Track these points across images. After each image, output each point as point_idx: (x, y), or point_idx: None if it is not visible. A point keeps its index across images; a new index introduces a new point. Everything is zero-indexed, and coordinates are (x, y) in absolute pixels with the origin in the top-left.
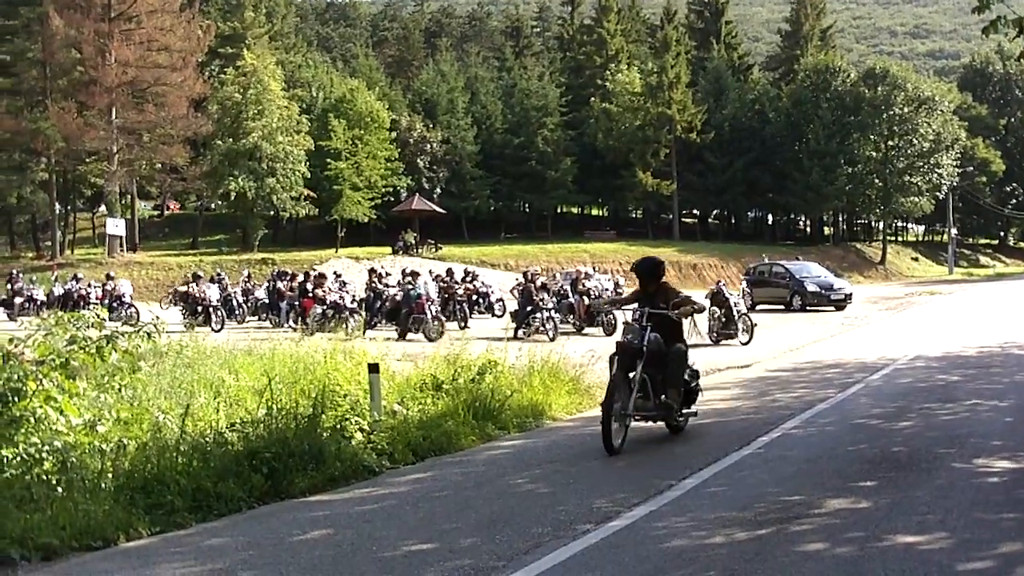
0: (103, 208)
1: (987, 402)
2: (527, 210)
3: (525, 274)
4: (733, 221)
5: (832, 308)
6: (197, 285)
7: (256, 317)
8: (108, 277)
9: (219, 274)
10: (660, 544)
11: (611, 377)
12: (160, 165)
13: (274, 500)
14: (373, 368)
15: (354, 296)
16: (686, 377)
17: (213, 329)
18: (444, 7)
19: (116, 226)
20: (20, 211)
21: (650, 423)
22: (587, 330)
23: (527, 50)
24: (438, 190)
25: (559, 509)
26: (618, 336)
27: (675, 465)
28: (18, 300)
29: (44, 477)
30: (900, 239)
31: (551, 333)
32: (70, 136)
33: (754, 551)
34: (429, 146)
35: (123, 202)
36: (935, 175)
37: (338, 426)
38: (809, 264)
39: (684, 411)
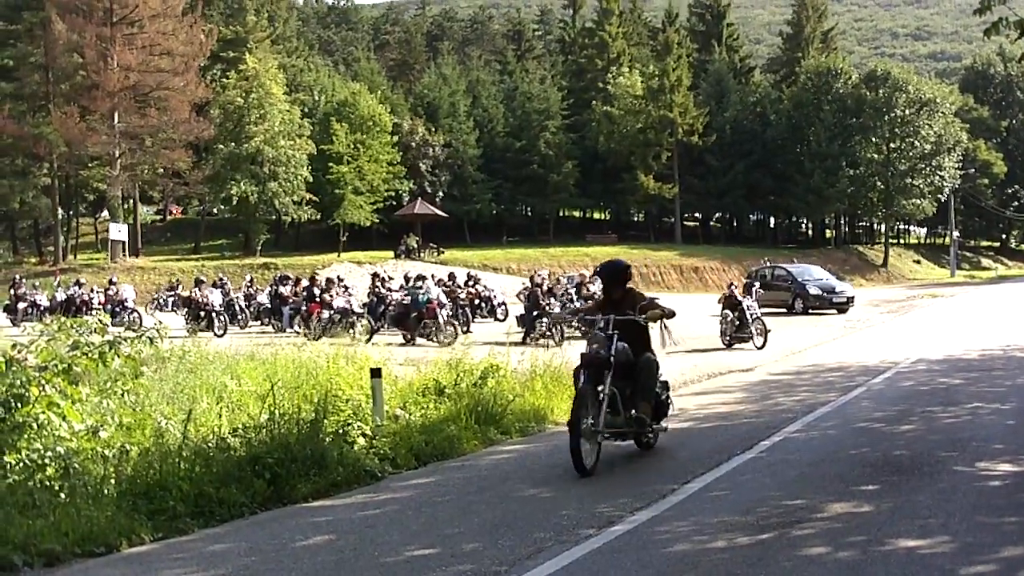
0: (105, 213)
1: (989, 405)
2: (529, 214)
3: (532, 278)
4: (735, 224)
5: (834, 311)
6: (200, 290)
7: (259, 322)
8: (110, 282)
9: (221, 279)
10: (662, 549)
11: (577, 391)
12: (162, 170)
13: (276, 505)
14: (375, 373)
15: (351, 300)
16: (656, 389)
17: (216, 334)
18: (446, 11)
19: (119, 231)
20: (23, 216)
21: (620, 442)
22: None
23: (529, 53)
24: (440, 194)
25: (561, 514)
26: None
27: (677, 469)
28: (21, 305)
29: (47, 483)
30: (902, 242)
31: (558, 337)
32: (72, 141)
33: (756, 555)
34: (431, 150)
35: (125, 207)
36: (937, 177)
37: (340, 431)
38: (811, 267)
39: (655, 426)
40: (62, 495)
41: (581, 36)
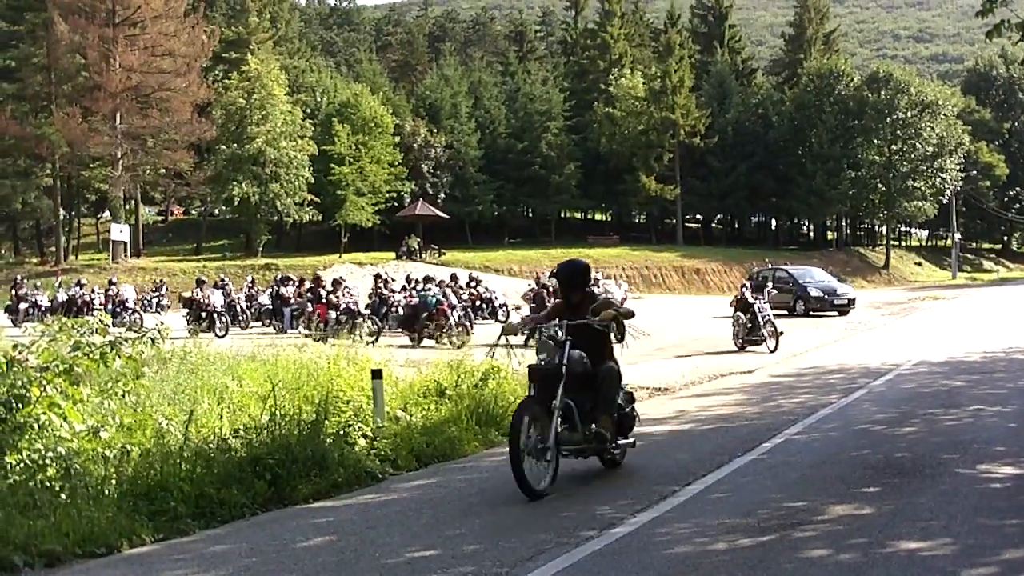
0: (107, 213)
1: (991, 407)
2: (530, 215)
3: (537, 280)
4: (736, 226)
5: (835, 313)
6: (201, 291)
7: (260, 322)
8: (111, 283)
9: (223, 279)
10: (663, 550)
11: (518, 406)
12: (164, 170)
13: (277, 506)
14: (376, 374)
15: (358, 301)
16: (620, 401)
17: (217, 335)
18: (448, 12)
19: (120, 232)
20: (24, 217)
21: (580, 458)
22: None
23: (531, 55)
24: (442, 195)
25: (562, 515)
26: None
27: (678, 471)
28: (22, 306)
29: (48, 483)
30: (903, 244)
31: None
32: (74, 141)
33: (757, 557)
34: (433, 151)
35: (127, 207)
36: (938, 179)
37: (341, 432)
38: (812, 269)
39: (620, 442)
40: (63, 496)
41: (583, 37)
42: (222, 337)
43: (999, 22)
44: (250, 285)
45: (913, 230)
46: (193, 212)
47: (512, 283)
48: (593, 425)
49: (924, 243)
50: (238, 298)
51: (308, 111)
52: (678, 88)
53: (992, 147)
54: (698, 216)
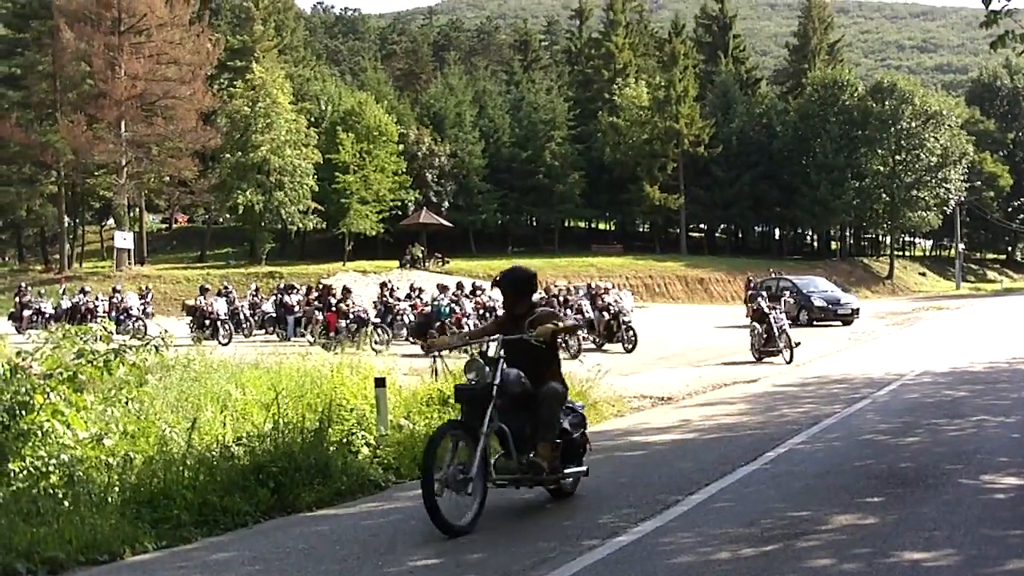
0: (111, 221)
1: (994, 418)
2: (534, 224)
3: (547, 289)
4: (740, 235)
5: (839, 323)
6: (205, 298)
7: (263, 330)
8: (114, 290)
9: (226, 287)
10: (666, 560)
11: (436, 431)
12: (168, 178)
13: (280, 514)
14: (380, 382)
15: (368, 310)
16: (566, 426)
17: (220, 343)
18: (452, 21)
19: (124, 239)
20: (29, 224)
21: (520, 488)
22: (607, 346)
23: (535, 64)
24: (446, 203)
25: (565, 524)
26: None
27: (682, 480)
28: (26, 313)
29: (51, 490)
30: (907, 254)
31: (573, 350)
32: (79, 149)
33: (761, 567)
34: (437, 159)
35: (131, 215)
36: (943, 190)
37: (344, 440)
38: (816, 279)
39: (568, 470)
40: (66, 503)
41: (587, 47)
42: (225, 345)
43: (1003, 33)
44: (254, 293)
45: (917, 240)
46: (197, 220)
47: None
48: (532, 453)
49: (928, 253)
50: (241, 306)
51: (313, 119)
52: (682, 98)
53: (996, 158)
54: (702, 226)
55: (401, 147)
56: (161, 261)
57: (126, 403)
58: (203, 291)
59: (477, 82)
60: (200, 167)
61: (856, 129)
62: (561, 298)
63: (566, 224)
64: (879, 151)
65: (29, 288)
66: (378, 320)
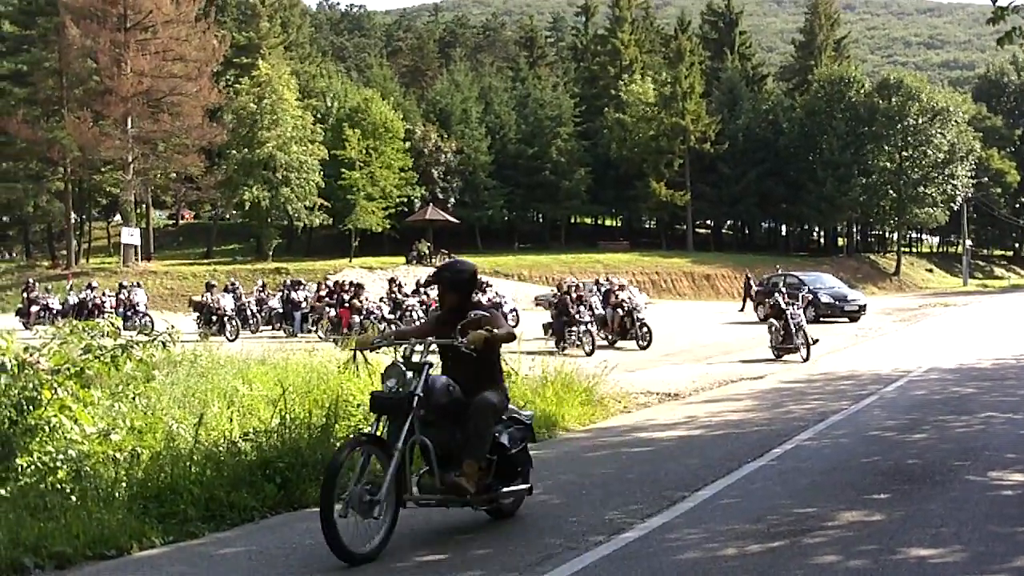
0: (118, 217)
1: (1002, 415)
2: (540, 220)
3: (559, 286)
4: (747, 231)
5: (846, 319)
6: (211, 294)
7: (269, 326)
8: (121, 286)
9: (233, 283)
10: (673, 556)
11: (342, 444)
12: (175, 175)
13: (287, 510)
14: None
15: (381, 306)
16: (503, 441)
17: (227, 338)
18: (458, 17)
19: (131, 235)
20: (36, 220)
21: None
22: (620, 343)
23: (541, 60)
24: (452, 200)
25: (571, 520)
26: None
27: (688, 477)
28: (33, 309)
29: (58, 486)
30: (914, 250)
31: (588, 347)
32: (86, 145)
33: (767, 563)
34: (443, 156)
35: (138, 211)
36: (950, 186)
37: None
38: (823, 275)
39: (506, 489)
40: (73, 498)
41: (593, 43)
42: (232, 341)
43: (1010, 29)
44: (260, 289)
45: (924, 237)
46: (204, 216)
47: (522, 288)
48: (455, 472)
49: (935, 250)
50: (248, 302)
51: (319, 116)
52: (688, 94)
53: (1003, 154)
54: (708, 222)
55: (407, 144)
56: (168, 257)
57: (133, 399)
58: (210, 287)
59: (483, 78)
60: (206, 163)
61: (863, 125)
62: (574, 295)
63: (572, 220)
64: (886, 147)
65: (36, 284)
66: (392, 316)
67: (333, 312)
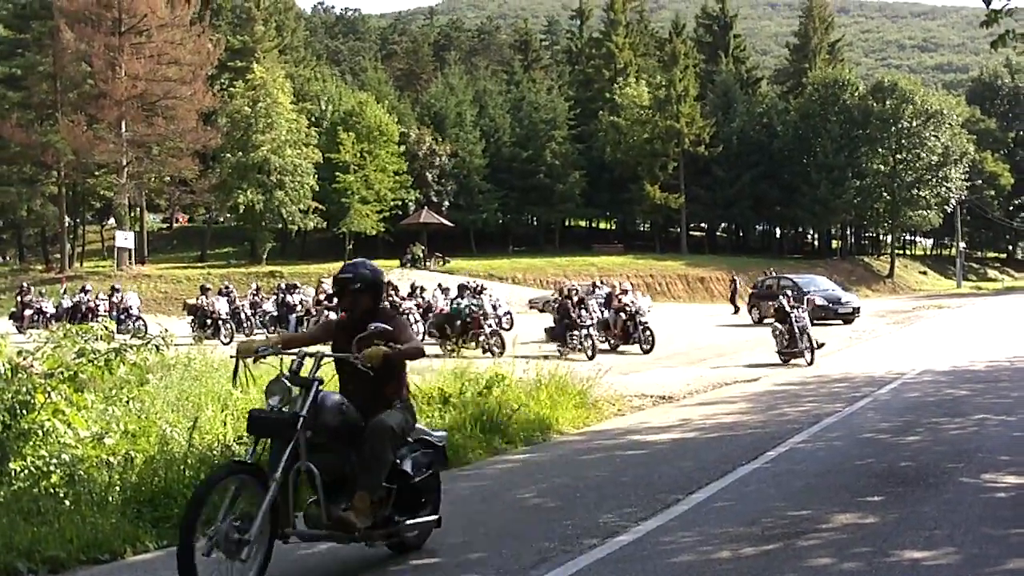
0: (112, 221)
1: (995, 417)
2: (535, 223)
3: (561, 290)
4: (741, 234)
5: (840, 322)
6: (206, 297)
7: (264, 330)
8: (113, 289)
9: (227, 287)
10: (667, 559)
11: (211, 474)
12: (169, 178)
13: None
14: None
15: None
16: (405, 468)
17: (222, 342)
18: (453, 21)
19: (125, 239)
20: (30, 224)
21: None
22: (622, 348)
23: (536, 63)
24: (446, 203)
25: (566, 523)
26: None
27: (682, 479)
28: (27, 312)
29: (52, 490)
30: (908, 253)
31: (590, 351)
32: (80, 149)
33: (761, 566)
34: (437, 159)
35: (132, 215)
36: (943, 189)
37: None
38: (817, 278)
39: (411, 521)
40: (67, 502)
41: (588, 46)
42: (227, 344)
43: (1004, 32)
44: (254, 292)
45: (918, 239)
46: (198, 220)
47: (516, 291)
48: (344, 505)
49: (929, 252)
50: (242, 305)
51: (313, 119)
52: (683, 97)
53: (997, 156)
54: (703, 225)
55: (402, 147)
56: (162, 261)
57: (127, 402)
58: (204, 290)
59: (478, 82)
60: (201, 167)
61: (857, 128)
62: (576, 298)
63: (567, 223)
64: (880, 150)
65: (30, 288)
66: None
67: (333, 315)
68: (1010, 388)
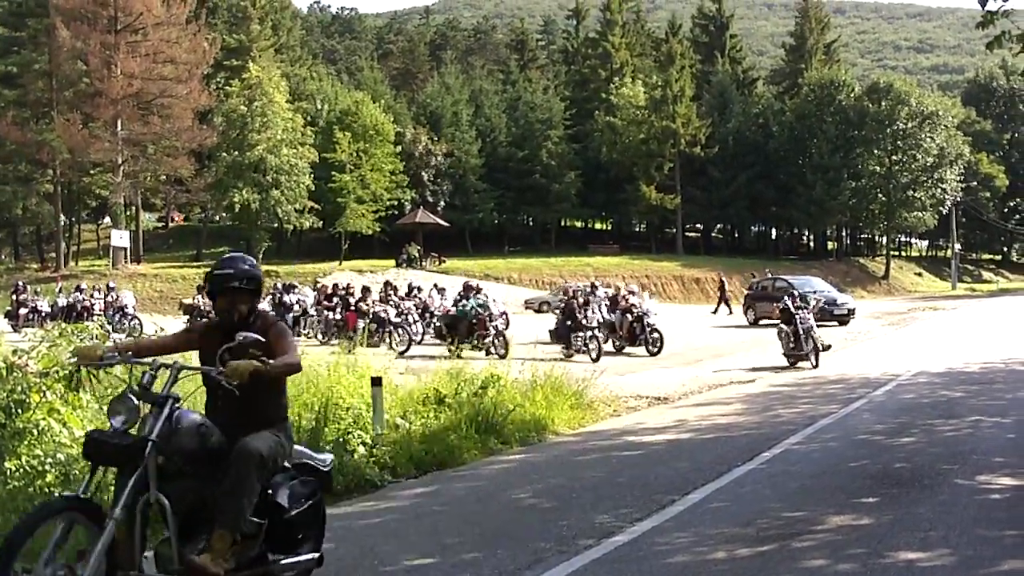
0: (107, 220)
1: (990, 418)
2: (531, 223)
3: (566, 291)
4: (736, 235)
5: (835, 323)
6: (202, 297)
7: None
8: (109, 288)
9: None
10: (662, 560)
11: (35, 509)
12: (165, 177)
13: None
14: (376, 382)
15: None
16: (280, 500)
17: None
18: (449, 20)
19: (120, 238)
20: (25, 222)
21: None
22: (628, 349)
23: (532, 63)
24: (442, 203)
25: (561, 524)
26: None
27: (678, 480)
28: (22, 311)
29: (47, 489)
30: (903, 254)
31: (594, 353)
32: (75, 148)
33: (757, 567)
34: (433, 159)
35: (127, 214)
36: (939, 190)
37: (340, 440)
38: (812, 279)
39: (287, 560)
40: None
41: (584, 46)
42: None
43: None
44: None
45: (913, 240)
46: (193, 219)
47: (512, 291)
48: (201, 547)
49: (924, 254)
50: None
51: (309, 118)
52: (679, 98)
53: (992, 158)
54: (698, 225)
55: (398, 147)
56: (157, 260)
57: None
58: (200, 290)
59: (474, 81)
60: (196, 166)
61: (852, 129)
62: (581, 299)
63: (562, 223)
64: (875, 151)
65: (26, 286)
66: (398, 320)
67: (336, 315)
68: (1004, 390)
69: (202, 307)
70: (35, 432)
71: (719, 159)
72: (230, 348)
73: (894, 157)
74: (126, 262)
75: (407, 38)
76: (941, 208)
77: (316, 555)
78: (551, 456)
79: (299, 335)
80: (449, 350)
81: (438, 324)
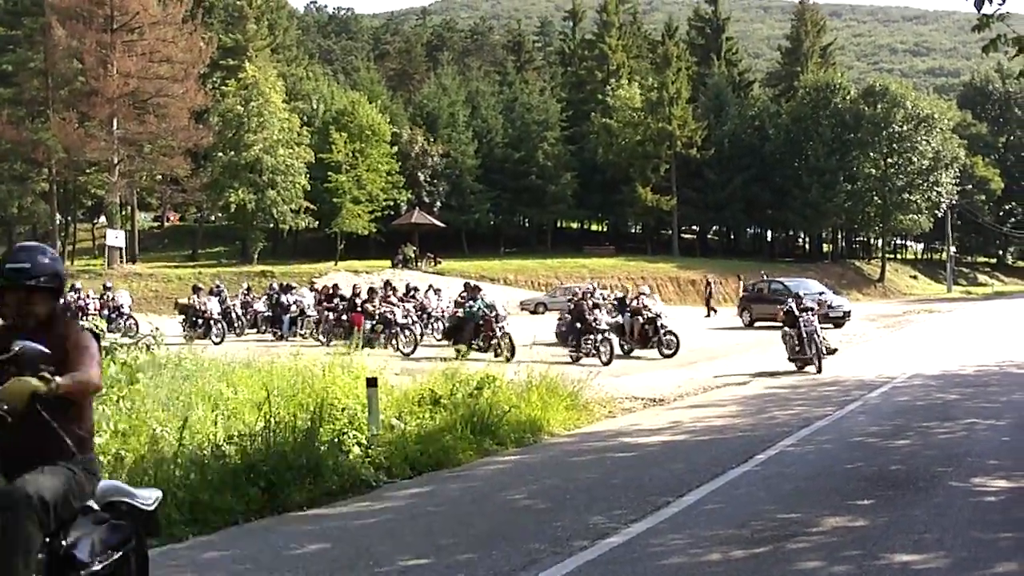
0: (103, 219)
1: (985, 421)
2: (527, 224)
3: (575, 292)
4: (732, 237)
5: (830, 325)
6: (198, 297)
7: (255, 329)
8: (105, 288)
9: (218, 286)
10: (657, 561)
11: None
12: (160, 176)
13: (271, 514)
14: (371, 382)
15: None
16: (77, 553)
17: (213, 342)
18: (446, 21)
19: (116, 237)
20: (20, 221)
21: None
22: (637, 352)
23: (528, 65)
24: (438, 204)
25: (556, 525)
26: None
27: (672, 482)
28: None
29: None
30: (899, 257)
31: (606, 356)
32: (71, 147)
33: (751, 569)
34: (430, 159)
35: (123, 213)
36: (934, 193)
37: (336, 440)
38: (808, 281)
39: None
40: None
41: (581, 48)
42: (218, 344)
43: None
44: (246, 292)
45: (908, 243)
46: (189, 218)
47: (508, 292)
48: None
49: (919, 256)
50: (233, 305)
51: (305, 119)
52: (675, 99)
53: (988, 161)
54: (694, 227)
55: (394, 147)
56: (153, 259)
57: (117, 401)
58: (196, 290)
59: (470, 82)
60: (192, 165)
61: (848, 132)
62: (590, 301)
63: (559, 225)
64: (871, 154)
65: None
66: (406, 321)
67: (345, 317)
68: (999, 392)
69: (197, 307)
70: None
71: (715, 161)
72: (3, 363)
73: (890, 160)
74: (122, 262)
75: (404, 39)
76: (936, 211)
77: None
78: (546, 457)
79: (296, 336)
80: (456, 351)
81: (447, 325)
